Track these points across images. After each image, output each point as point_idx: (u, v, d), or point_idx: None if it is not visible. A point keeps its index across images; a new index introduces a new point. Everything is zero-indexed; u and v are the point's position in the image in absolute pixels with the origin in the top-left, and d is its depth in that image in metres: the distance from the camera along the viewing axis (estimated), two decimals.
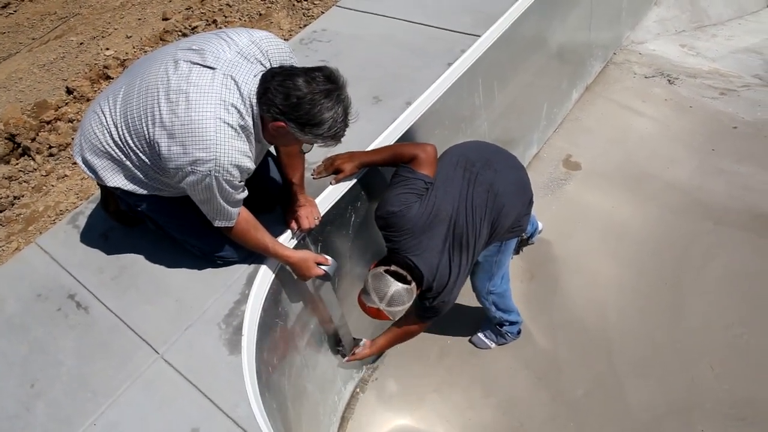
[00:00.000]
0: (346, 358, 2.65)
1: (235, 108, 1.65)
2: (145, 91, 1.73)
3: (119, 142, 1.79)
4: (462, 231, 2.19)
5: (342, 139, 1.75)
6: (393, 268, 2.15)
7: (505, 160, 2.40)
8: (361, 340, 2.68)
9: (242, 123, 1.68)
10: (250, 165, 1.73)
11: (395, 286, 2.10)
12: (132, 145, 1.77)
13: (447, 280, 2.22)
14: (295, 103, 1.61)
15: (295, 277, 2.15)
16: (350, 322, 2.65)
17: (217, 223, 1.84)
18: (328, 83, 1.64)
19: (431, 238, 2.17)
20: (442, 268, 2.20)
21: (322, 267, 2.12)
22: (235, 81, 1.67)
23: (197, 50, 1.73)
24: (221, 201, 1.74)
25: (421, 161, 2.20)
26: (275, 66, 1.74)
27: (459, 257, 2.22)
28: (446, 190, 2.21)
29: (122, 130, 1.77)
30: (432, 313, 2.34)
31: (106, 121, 1.81)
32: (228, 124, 1.64)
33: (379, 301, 2.12)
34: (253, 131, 1.73)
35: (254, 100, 1.67)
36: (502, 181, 2.28)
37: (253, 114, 1.69)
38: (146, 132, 1.71)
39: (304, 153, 1.91)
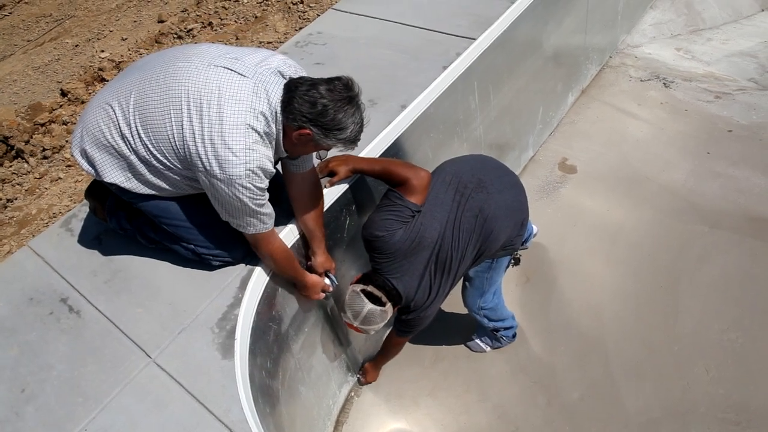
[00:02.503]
0: (361, 382, 3.01)
1: (263, 116, 1.74)
2: (165, 89, 1.75)
3: (129, 138, 1.80)
4: (446, 256, 2.21)
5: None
6: (369, 288, 2.19)
7: (500, 179, 2.35)
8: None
9: (267, 130, 1.76)
10: (272, 169, 1.82)
11: (369, 307, 2.16)
12: (146, 141, 1.78)
13: (425, 301, 2.27)
14: (321, 111, 1.71)
15: (297, 289, 2.27)
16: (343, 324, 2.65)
17: (250, 230, 1.89)
18: (348, 91, 1.75)
19: (413, 263, 2.20)
20: (422, 291, 2.24)
21: (324, 291, 2.29)
22: (265, 90, 1.75)
23: (230, 58, 1.80)
24: (250, 204, 1.79)
25: (411, 188, 2.20)
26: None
27: (440, 279, 2.25)
28: (434, 215, 2.21)
29: (135, 125, 1.78)
30: (409, 328, 2.39)
31: (116, 116, 1.81)
32: (255, 130, 1.72)
33: (353, 319, 2.20)
34: (275, 138, 1.81)
35: (278, 109, 1.75)
36: (493, 204, 2.25)
37: (276, 122, 1.77)
38: (170, 131, 1.74)
39: (321, 160, 2.02)
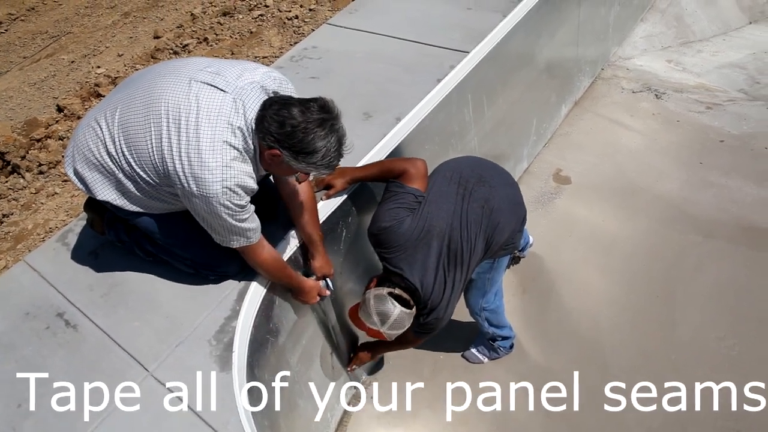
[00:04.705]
0: (349, 368, 2.81)
1: (240, 131, 1.71)
2: (147, 106, 1.75)
3: (114, 155, 1.80)
4: (457, 247, 2.18)
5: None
6: (397, 291, 2.15)
7: (498, 177, 2.38)
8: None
9: (245, 146, 1.73)
10: (254, 185, 1.78)
11: (398, 310, 2.12)
12: (129, 158, 1.78)
13: (441, 298, 2.22)
14: (289, 132, 1.65)
15: (293, 296, 2.23)
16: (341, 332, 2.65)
17: (234, 245, 1.86)
18: (322, 113, 1.68)
19: (426, 255, 2.16)
20: (438, 286, 2.20)
21: (320, 296, 2.24)
22: (243, 105, 1.72)
23: (211, 72, 1.78)
24: (231, 221, 1.76)
25: (411, 176, 2.21)
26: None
27: (453, 273, 2.21)
28: (439, 205, 2.20)
29: (120, 143, 1.79)
30: (427, 329, 2.34)
31: (102, 134, 1.82)
32: (233, 146, 1.70)
33: (380, 324, 2.13)
34: (253, 154, 1.78)
35: (253, 126, 1.72)
36: (496, 197, 2.26)
37: (252, 138, 1.74)
38: (149, 148, 1.73)
39: (300, 183, 1.98)
